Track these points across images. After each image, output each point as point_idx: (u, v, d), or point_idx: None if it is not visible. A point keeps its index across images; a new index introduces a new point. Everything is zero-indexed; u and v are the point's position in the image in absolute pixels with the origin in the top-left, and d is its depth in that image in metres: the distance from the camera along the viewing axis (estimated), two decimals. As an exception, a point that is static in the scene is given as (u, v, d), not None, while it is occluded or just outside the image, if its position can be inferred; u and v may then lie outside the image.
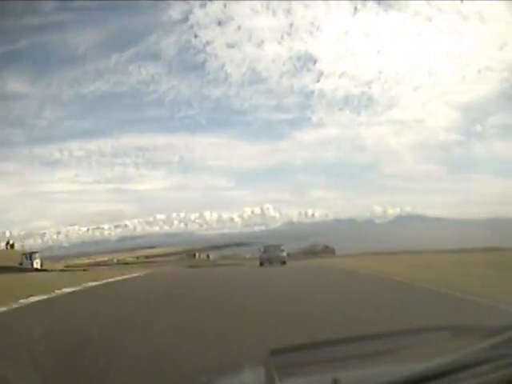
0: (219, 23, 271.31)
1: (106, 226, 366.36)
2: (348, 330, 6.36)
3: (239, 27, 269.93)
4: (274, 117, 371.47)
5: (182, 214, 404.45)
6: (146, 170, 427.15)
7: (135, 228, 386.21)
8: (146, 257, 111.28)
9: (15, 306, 11.86)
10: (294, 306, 9.68)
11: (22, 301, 12.62)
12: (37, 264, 51.47)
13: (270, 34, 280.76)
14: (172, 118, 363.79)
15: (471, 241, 51.77)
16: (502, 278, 12.94)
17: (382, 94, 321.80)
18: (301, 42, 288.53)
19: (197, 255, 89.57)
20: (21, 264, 49.32)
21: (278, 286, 15.40)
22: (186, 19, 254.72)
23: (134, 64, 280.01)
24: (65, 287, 16.99)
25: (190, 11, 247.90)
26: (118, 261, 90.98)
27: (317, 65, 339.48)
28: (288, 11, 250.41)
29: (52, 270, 43.42)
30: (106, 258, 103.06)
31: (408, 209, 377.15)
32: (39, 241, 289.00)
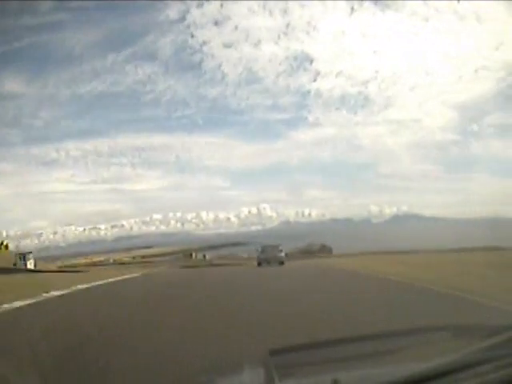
0: (216, 23, 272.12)
1: (102, 226, 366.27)
2: (348, 331, 6.34)
3: (236, 27, 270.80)
4: (271, 116, 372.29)
5: (179, 214, 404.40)
6: (142, 170, 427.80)
7: (132, 228, 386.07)
8: (143, 257, 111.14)
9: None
10: (293, 307, 9.64)
11: (5, 306, 11.54)
12: (30, 264, 50.79)
13: (267, 34, 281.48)
14: (169, 118, 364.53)
15: (468, 240, 51.93)
16: (501, 278, 12.97)
17: (378, 93, 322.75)
18: (297, 42, 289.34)
19: (193, 255, 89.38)
20: (15, 265, 48.87)
21: (277, 286, 15.38)
22: (182, 19, 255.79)
23: (131, 64, 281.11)
24: (54, 290, 16.22)
25: (187, 11, 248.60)
26: (115, 261, 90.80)
27: (313, 64, 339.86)
28: (285, 11, 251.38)
29: (46, 271, 42.57)
30: (102, 258, 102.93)
31: (405, 208, 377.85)
32: (36, 241, 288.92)
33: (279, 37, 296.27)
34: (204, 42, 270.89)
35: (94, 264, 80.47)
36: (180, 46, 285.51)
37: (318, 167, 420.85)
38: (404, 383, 1.50)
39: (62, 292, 15.92)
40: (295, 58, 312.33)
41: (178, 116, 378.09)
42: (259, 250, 35.68)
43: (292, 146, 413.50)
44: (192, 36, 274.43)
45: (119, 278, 24.76)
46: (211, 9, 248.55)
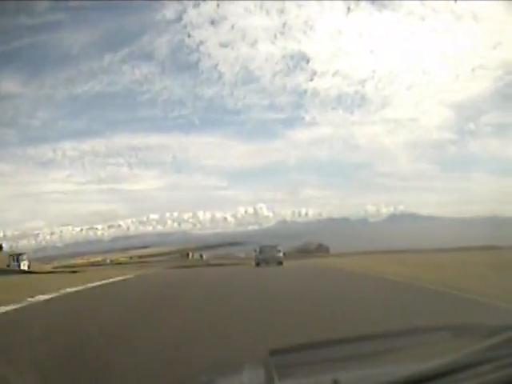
0: (212, 23, 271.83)
1: (99, 226, 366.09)
2: (347, 331, 6.34)
3: (232, 27, 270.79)
4: (268, 116, 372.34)
5: (176, 214, 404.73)
6: (139, 170, 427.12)
7: (128, 228, 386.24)
8: (140, 257, 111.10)
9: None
10: (292, 307, 9.63)
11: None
12: (24, 266, 50.51)
13: (264, 34, 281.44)
14: (165, 118, 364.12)
15: (465, 239, 52.04)
16: (499, 277, 13.03)
17: (375, 92, 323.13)
18: (294, 42, 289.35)
19: (190, 255, 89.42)
20: (8, 266, 48.54)
21: (276, 286, 15.38)
22: (179, 19, 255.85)
23: (128, 64, 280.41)
24: (42, 293, 15.20)
25: (184, 11, 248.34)
26: (111, 261, 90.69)
27: (310, 64, 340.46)
28: (281, 11, 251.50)
29: (39, 272, 42.08)
30: (99, 258, 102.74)
31: (401, 208, 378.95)
32: (33, 241, 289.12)
33: (276, 36, 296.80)
34: (201, 42, 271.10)
35: (91, 264, 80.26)
36: (177, 45, 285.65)
37: (315, 167, 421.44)
38: (404, 383, 1.50)
39: (48, 296, 14.97)
40: (292, 58, 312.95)
41: (174, 116, 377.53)
42: (257, 250, 35.40)
43: (289, 146, 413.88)
44: (189, 36, 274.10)
45: (113, 280, 24.01)
46: (208, 9, 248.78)
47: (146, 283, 22.83)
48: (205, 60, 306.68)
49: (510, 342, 1.70)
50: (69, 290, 17.56)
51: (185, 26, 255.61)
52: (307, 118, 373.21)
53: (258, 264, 33.28)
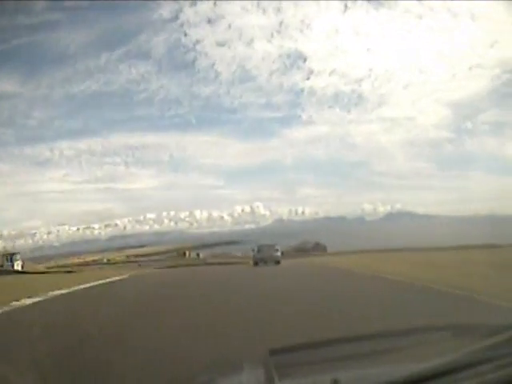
0: (209, 21, 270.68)
1: (96, 226, 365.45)
2: (347, 330, 6.34)
3: (229, 25, 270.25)
4: (264, 115, 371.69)
5: (172, 213, 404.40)
6: (135, 169, 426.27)
7: (125, 227, 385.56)
8: (136, 256, 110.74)
9: None
10: (292, 307, 9.62)
11: None
12: (17, 266, 50.00)
13: (260, 33, 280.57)
14: (162, 117, 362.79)
15: (463, 238, 52.02)
16: (496, 275, 13.11)
17: (372, 91, 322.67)
18: (291, 40, 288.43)
19: (187, 254, 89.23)
20: (1, 266, 48.18)
21: (275, 286, 15.38)
22: (176, 18, 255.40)
23: (124, 63, 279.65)
24: (28, 296, 14.56)
25: (180, 10, 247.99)
26: (108, 260, 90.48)
27: (307, 63, 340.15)
28: (278, 9, 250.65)
29: (33, 272, 41.45)
30: (96, 258, 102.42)
31: (398, 206, 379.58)
32: (30, 241, 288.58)
33: (272, 35, 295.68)
34: (197, 41, 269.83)
35: (88, 264, 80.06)
36: (173, 44, 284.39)
37: (312, 165, 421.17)
38: (403, 383, 1.50)
39: (34, 300, 14.24)
40: (288, 57, 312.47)
41: (171, 115, 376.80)
42: (255, 249, 35.34)
43: (285, 145, 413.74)
44: (185, 35, 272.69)
45: (107, 280, 23.47)
46: (204, 7, 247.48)
47: (142, 283, 22.72)
48: (201, 59, 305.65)
49: (511, 341, 1.70)
50: (58, 292, 16.88)
51: (181, 25, 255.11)
52: (304, 116, 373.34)
53: (255, 263, 33.26)
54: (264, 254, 33.52)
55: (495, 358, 1.57)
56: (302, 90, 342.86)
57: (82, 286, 19.65)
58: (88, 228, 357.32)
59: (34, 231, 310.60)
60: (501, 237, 39.49)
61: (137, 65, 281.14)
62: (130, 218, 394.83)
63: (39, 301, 14.26)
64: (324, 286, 14.81)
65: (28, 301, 13.98)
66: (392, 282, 14.20)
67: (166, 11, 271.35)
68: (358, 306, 9.37)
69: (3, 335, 8.24)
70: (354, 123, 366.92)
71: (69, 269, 50.83)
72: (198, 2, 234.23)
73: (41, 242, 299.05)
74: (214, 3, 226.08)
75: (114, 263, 74.91)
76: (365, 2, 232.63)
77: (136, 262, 73.78)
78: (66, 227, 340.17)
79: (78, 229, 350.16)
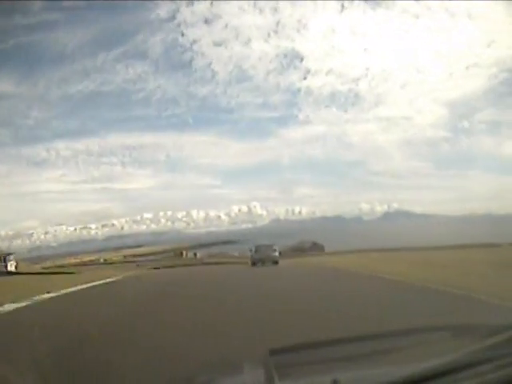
0: (206, 21, 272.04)
1: (93, 226, 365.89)
2: (347, 330, 6.33)
3: (226, 25, 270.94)
4: (261, 115, 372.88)
5: (169, 213, 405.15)
6: (132, 169, 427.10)
7: (122, 227, 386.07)
8: (133, 256, 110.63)
9: None
10: (291, 307, 9.61)
11: None
12: (11, 266, 49.39)
13: (257, 32, 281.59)
14: (159, 117, 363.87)
15: (460, 237, 52.13)
16: (496, 275, 13.20)
17: (369, 91, 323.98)
18: (287, 40, 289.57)
19: (184, 254, 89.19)
20: (-5, 266, 47.81)
21: (274, 286, 15.37)
22: (172, 18, 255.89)
23: (121, 63, 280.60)
24: (13, 301, 13.36)
25: (177, 10, 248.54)
26: (105, 260, 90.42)
27: (303, 62, 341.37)
28: (275, 9, 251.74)
29: (26, 273, 40.35)
30: (92, 258, 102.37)
31: (395, 205, 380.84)
32: (27, 241, 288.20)
33: (269, 35, 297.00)
34: (194, 41, 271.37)
35: (84, 264, 79.89)
36: (170, 44, 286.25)
37: (309, 165, 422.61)
38: (403, 383, 1.51)
39: (18, 305, 12.98)
40: (285, 56, 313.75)
41: (168, 115, 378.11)
42: (253, 249, 35.16)
43: (282, 144, 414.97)
44: (182, 35, 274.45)
45: (103, 282, 22.56)
46: (201, 7, 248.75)
47: (141, 281, 22.72)
48: (198, 59, 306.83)
49: (511, 341, 1.71)
50: (46, 296, 15.50)
51: (178, 25, 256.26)
52: (301, 116, 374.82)
53: (253, 263, 33.18)
54: (262, 255, 33.36)
55: (495, 358, 1.57)
56: (299, 90, 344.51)
57: (73, 289, 18.52)
58: (85, 228, 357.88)
59: (31, 231, 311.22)
60: (498, 235, 39.62)
61: (134, 65, 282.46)
62: (127, 218, 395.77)
63: (21, 307, 12.80)
64: (322, 286, 14.78)
65: (12, 306, 12.67)
66: (392, 282, 14.16)
67: (163, 11, 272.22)
68: (358, 306, 9.35)
69: None
70: (351, 123, 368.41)
71: (64, 270, 50.49)
72: (195, 2, 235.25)
73: (38, 242, 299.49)
74: (211, 3, 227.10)
75: (110, 263, 74.79)
76: (362, 2, 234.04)
77: (133, 262, 73.62)
78: (63, 227, 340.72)
79: (75, 229, 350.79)
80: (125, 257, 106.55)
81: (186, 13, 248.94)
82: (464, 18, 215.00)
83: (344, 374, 1.81)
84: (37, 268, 60.08)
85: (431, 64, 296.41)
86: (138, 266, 55.61)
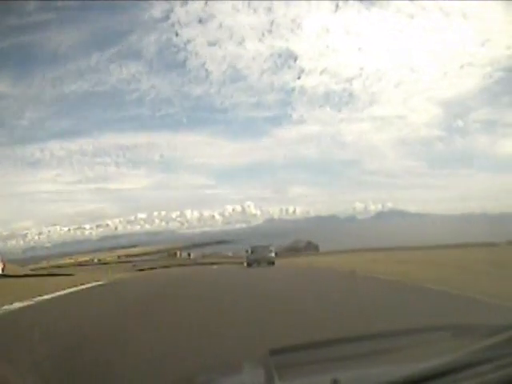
0: (200, 21, 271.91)
1: (87, 226, 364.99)
2: (347, 330, 6.33)
3: (220, 25, 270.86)
4: (255, 114, 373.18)
5: (163, 213, 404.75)
6: (126, 169, 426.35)
7: (116, 227, 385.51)
8: (127, 256, 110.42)
9: None
10: (291, 307, 9.56)
11: None
12: None
13: (251, 32, 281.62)
14: (153, 117, 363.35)
15: (455, 236, 52.19)
16: (492, 273, 13.38)
17: (363, 90, 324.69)
18: (282, 40, 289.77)
19: (178, 254, 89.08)
20: (-19, 269, 47.17)
21: (272, 286, 15.35)
22: (166, 18, 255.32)
23: (115, 63, 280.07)
24: None
25: (171, 10, 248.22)
26: (99, 260, 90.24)
27: (297, 62, 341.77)
28: (269, 9, 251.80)
29: (13, 276, 38.61)
30: (87, 258, 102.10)
31: (390, 205, 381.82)
32: (21, 241, 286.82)
33: (263, 35, 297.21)
34: (188, 41, 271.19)
35: (78, 264, 79.59)
36: (164, 44, 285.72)
37: (303, 164, 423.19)
38: (403, 383, 1.51)
39: None
40: (279, 56, 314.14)
41: (162, 115, 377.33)
42: (249, 250, 35.14)
43: (276, 144, 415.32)
44: (176, 34, 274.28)
45: (93, 285, 20.65)
46: (195, 7, 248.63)
47: (136, 283, 22.62)
48: (192, 59, 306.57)
49: (511, 341, 1.72)
50: (23, 304, 12.99)
51: (172, 25, 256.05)
52: (295, 115, 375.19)
53: (249, 264, 33.15)
54: (258, 255, 33.33)
55: (495, 358, 1.58)
56: (293, 90, 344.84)
57: (53, 295, 15.71)
58: (79, 228, 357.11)
59: (25, 232, 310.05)
60: (494, 234, 39.67)
61: (128, 65, 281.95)
62: (122, 219, 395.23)
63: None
64: (321, 287, 14.73)
65: None
66: (391, 282, 14.11)
67: (157, 11, 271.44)
68: (357, 306, 9.34)
69: None
70: (345, 122, 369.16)
71: (54, 271, 50.02)
72: (189, 2, 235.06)
73: (32, 243, 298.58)
74: (205, 3, 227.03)
75: (105, 263, 74.60)
76: (356, 2, 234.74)
77: (129, 262, 73.48)
78: (58, 228, 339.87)
79: (70, 229, 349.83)
80: (119, 257, 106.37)
81: (180, 13, 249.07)
82: (458, 18, 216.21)
83: (344, 374, 1.80)
84: (25, 270, 59.21)
85: (425, 63, 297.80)
86: (134, 266, 55.52)
